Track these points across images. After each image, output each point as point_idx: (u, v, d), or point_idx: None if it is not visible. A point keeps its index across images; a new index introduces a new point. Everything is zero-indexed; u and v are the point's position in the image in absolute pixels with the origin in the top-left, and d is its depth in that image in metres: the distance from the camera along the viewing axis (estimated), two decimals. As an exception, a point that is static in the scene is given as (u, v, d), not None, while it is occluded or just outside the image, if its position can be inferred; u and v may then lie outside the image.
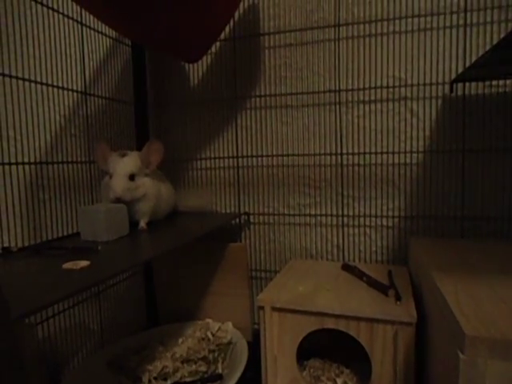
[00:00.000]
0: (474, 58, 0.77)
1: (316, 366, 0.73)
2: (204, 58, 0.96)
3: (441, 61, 0.80)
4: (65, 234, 0.75)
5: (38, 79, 0.70)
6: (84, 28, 0.80)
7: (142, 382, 0.71)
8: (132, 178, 0.71)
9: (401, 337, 0.58)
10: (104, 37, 0.88)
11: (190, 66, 0.98)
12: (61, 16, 0.74)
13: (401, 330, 0.58)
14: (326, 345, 0.74)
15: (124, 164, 0.71)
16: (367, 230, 0.88)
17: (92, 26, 0.83)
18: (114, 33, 0.91)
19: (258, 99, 0.94)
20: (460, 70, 0.78)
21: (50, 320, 0.71)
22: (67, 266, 0.48)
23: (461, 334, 0.37)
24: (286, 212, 0.94)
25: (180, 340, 0.84)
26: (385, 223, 0.87)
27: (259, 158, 0.94)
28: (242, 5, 0.91)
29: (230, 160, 0.97)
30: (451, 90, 0.78)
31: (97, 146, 0.74)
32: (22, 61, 0.70)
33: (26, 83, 0.67)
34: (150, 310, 1.00)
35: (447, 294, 0.45)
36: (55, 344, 0.76)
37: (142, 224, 0.74)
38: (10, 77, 0.63)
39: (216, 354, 0.79)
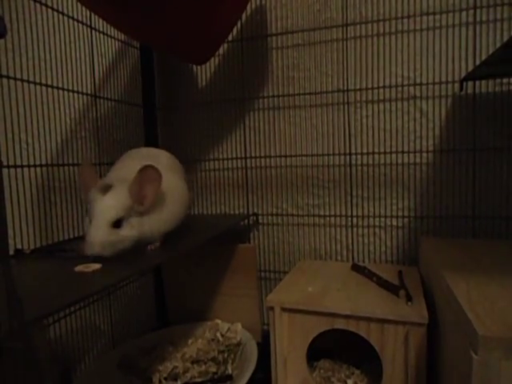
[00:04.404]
0: (483, 56, 0.76)
1: (326, 366, 0.72)
2: (212, 59, 0.96)
3: (450, 59, 0.79)
4: (75, 235, 0.75)
5: (49, 83, 0.71)
6: (93, 31, 0.81)
7: (152, 382, 0.71)
8: (118, 224, 0.52)
9: (412, 338, 0.57)
10: (113, 40, 0.89)
11: (198, 67, 0.99)
12: (70, 20, 0.75)
13: (412, 331, 0.57)
14: (337, 346, 0.74)
15: (105, 206, 0.51)
16: (377, 231, 0.88)
17: (101, 29, 0.83)
18: (122, 35, 0.92)
19: (266, 100, 0.94)
20: (470, 68, 0.78)
21: (61, 321, 0.72)
22: (79, 268, 0.48)
23: (474, 334, 0.36)
24: (294, 212, 0.94)
25: (190, 341, 0.84)
26: (394, 223, 0.86)
27: (267, 159, 0.94)
28: (249, 6, 0.91)
29: (239, 161, 0.97)
30: (461, 89, 0.77)
31: (81, 169, 0.58)
32: (34, 65, 0.71)
33: (37, 87, 0.68)
34: (159, 310, 1.00)
35: (459, 294, 0.45)
36: (66, 345, 0.77)
37: (152, 247, 0.59)
38: (22, 80, 0.64)
39: (226, 355, 0.79)
